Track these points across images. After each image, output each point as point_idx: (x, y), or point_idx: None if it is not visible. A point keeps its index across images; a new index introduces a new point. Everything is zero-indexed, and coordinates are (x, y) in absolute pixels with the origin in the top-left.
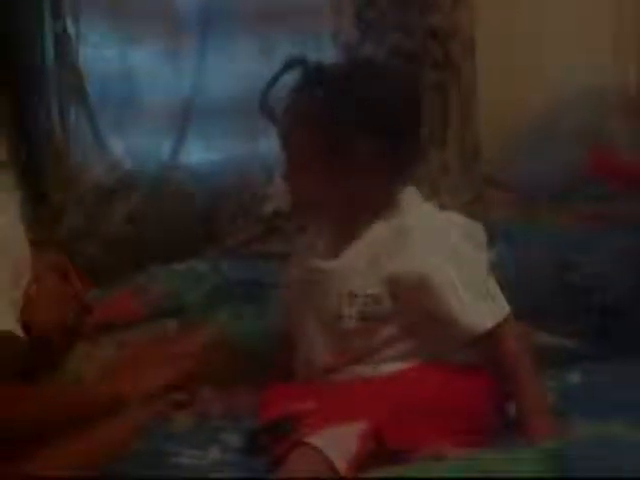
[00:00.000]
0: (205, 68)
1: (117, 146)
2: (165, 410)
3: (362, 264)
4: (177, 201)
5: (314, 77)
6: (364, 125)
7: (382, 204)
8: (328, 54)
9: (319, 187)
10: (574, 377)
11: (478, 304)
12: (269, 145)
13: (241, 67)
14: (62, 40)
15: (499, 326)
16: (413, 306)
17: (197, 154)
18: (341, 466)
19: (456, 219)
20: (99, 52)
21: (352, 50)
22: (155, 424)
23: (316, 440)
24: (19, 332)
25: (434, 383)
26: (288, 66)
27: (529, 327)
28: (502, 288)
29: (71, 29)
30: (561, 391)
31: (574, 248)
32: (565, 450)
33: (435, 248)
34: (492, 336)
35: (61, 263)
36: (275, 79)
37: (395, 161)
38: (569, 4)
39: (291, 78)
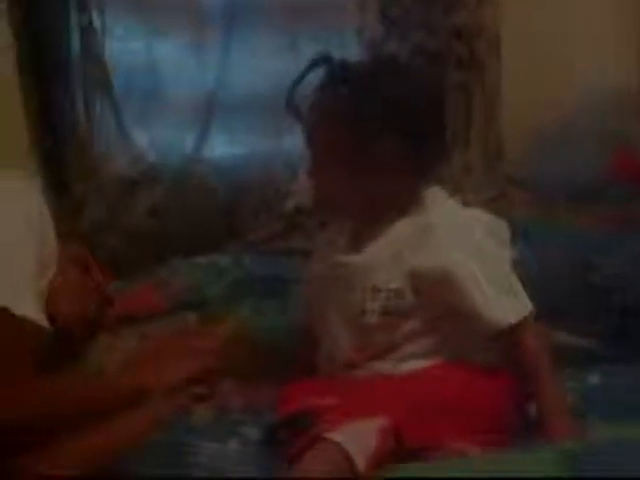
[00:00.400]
0: (229, 62)
1: (141, 138)
2: (186, 403)
3: (385, 259)
4: (200, 195)
5: (339, 75)
6: (388, 123)
7: (406, 202)
8: (352, 51)
9: (343, 185)
10: (594, 378)
11: (501, 299)
12: (293, 141)
13: (265, 62)
14: (88, 33)
15: (521, 323)
16: (436, 301)
17: (220, 148)
18: (360, 462)
19: (480, 216)
20: (124, 45)
21: (376, 47)
22: (175, 417)
23: (336, 435)
24: (44, 322)
25: (455, 382)
26: (314, 64)
27: (549, 327)
28: (523, 287)
29: (97, 22)
30: (580, 392)
31: (595, 249)
32: (584, 451)
33: (458, 244)
34: (514, 333)
35: (82, 255)
36: (301, 77)
37: (419, 160)
38: (595, 3)
39: (317, 76)
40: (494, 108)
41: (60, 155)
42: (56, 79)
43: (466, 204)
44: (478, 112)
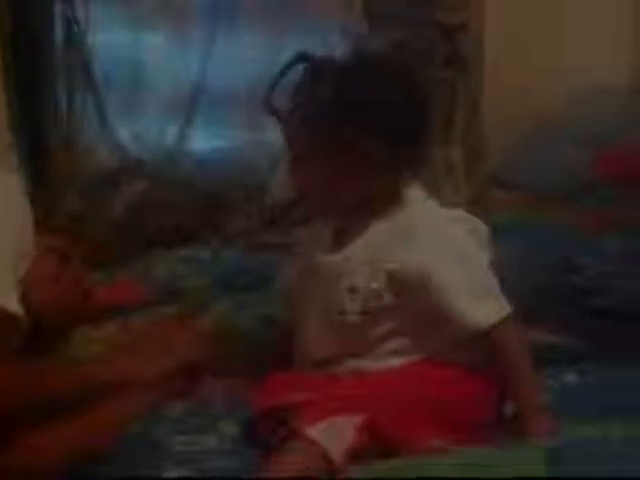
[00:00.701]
0: (212, 56)
1: (123, 131)
2: (164, 398)
3: (364, 259)
4: (181, 188)
5: (318, 73)
6: (369, 122)
7: (386, 201)
8: (336, 46)
9: (323, 184)
10: (571, 377)
11: (479, 302)
12: (274, 135)
13: (249, 56)
14: (71, 24)
15: (499, 325)
16: (415, 301)
17: (202, 142)
18: (335, 457)
19: (459, 216)
20: (108, 36)
21: (360, 43)
22: (152, 410)
23: (312, 431)
24: (21, 312)
25: (433, 379)
26: (293, 62)
27: (527, 326)
28: (503, 287)
29: (80, 12)
30: (558, 391)
31: (578, 249)
32: (562, 450)
33: (437, 246)
34: (492, 334)
35: (62, 246)
36: (280, 75)
37: (399, 159)
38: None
39: (296, 74)
40: (477, 106)
41: (42, 146)
42: (39, 70)
43: (446, 204)
44: (461, 110)
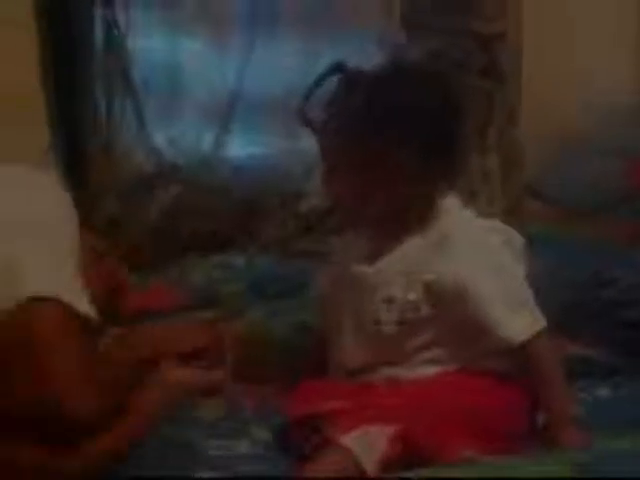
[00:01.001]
0: (250, 63)
1: (160, 136)
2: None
3: (401, 270)
4: (216, 194)
5: (353, 83)
6: (404, 132)
7: (422, 212)
8: (373, 55)
9: (357, 194)
10: (604, 391)
11: (514, 315)
12: (309, 142)
13: (286, 63)
14: (111, 28)
15: (534, 338)
16: (450, 313)
17: (238, 148)
18: (368, 466)
19: (495, 227)
20: (147, 41)
21: (398, 53)
22: (185, 412)
23: (345, 439)
24: (93, 314)
25: (467, 389)
26: (328, 73)
27: (561, 339)
28: (537, 299)
29: (121, 17)
30: (591, 404)
31: (611, 262)
32: (592, 462)
33: (473, 257)
34: (526, 347)
35: (98, 244)
36: (315, 86)
37: (435, 169)
38: (621, 11)
39: (332, 85)
40: (514, 116)
41: (80, 150)
42: (78, 74)
43: (482, 214)
44: (497, 120)
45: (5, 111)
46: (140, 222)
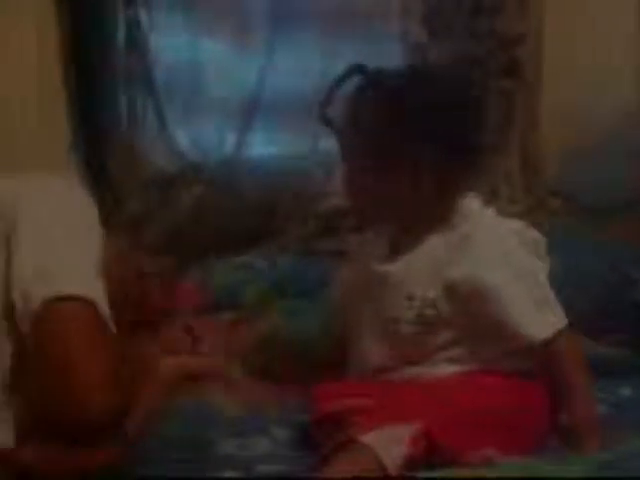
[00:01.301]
0: (272, 63)
1: (182, 136)
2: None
3: (421, 269)
4: (238, 194)
5: (373, 84)
6: (423, 133)
7: (442, 211)
8: (395, 56)
9: (378, 194)
10: (626, 390)
11: (535, 314)
12: (330, 142)
13: (308, 64)
14: (133, 28)
15: (555, 337)
16: (471, 312)
17: (259, 148)
18: (390, 465)
19: (517, 227)
20: (169, 41)
21: (419, 53)
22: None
23: (368, 438)
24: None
25: (489, 389)
26: (347, 74)
27: (583, 338)
28: (560, 298)
29: (143, 17)
30: (613, 403)
31: (635, 262)
32: (615, 462)
33: (494, 256)
34: (548, 346)
35: (147, 266)
36: (334, 88)
37: (455, 169)
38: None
39: (352, 85)
40: (535, 115)
41: (102, 150)
42: (101, 74)
43: (503, 213)
44: (519, 119)
45: (27, 111)
46: (162, 222)
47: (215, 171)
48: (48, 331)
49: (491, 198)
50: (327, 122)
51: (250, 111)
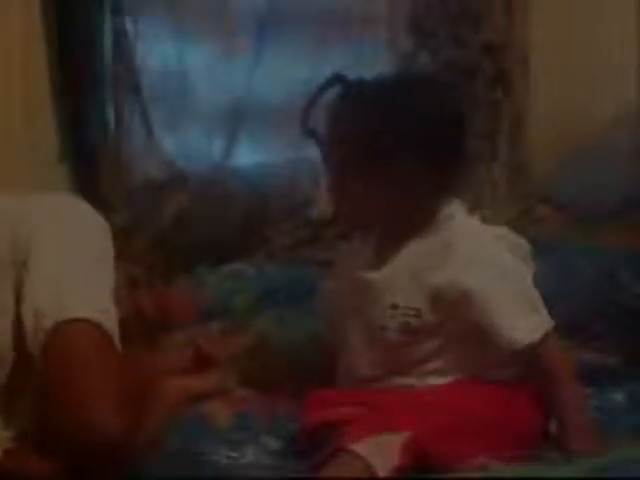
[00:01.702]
0: (259, 70)
1: (169, 144)
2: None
3: (405, 277)
4: (225, 202)
5: (353, 95)
6: (404, 141)
7: (425, 218)
8: (383, 62)
9: (360, 201)
10: (618, 396)
11: (520, 318)
12: (317, 150)
13: (295, 71)
14: (120, 37)
15: (541, 340)
16: (456, 319)
17: (247, 156)
18: (381, 474)
19: (500, 233)
20: (156, 50)
21: (407, 60)
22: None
23: (359, 448)
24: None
25: (478, 398)
26: (328, 84)
27: (574, 345)
28: (548, 304)
29: (130, 26)
30: (605, 410)
31: (624, 267)
32: (607, 468)
33: (478, 262)
34: (534, 350)
35: (134, 273)
36: (315, 98)
37: (437, 176)
38: (628, 16)
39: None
40: (521, 123)
41: (89, 158)
42: (87, 82)
43: (490, 220)
44: (505, 127)
45: (12, 120)
46: (149, 231)
47: (202, 179)
48: (60, 352)
49: (478, 205)
50: (309, 133)
51: (236, 119)
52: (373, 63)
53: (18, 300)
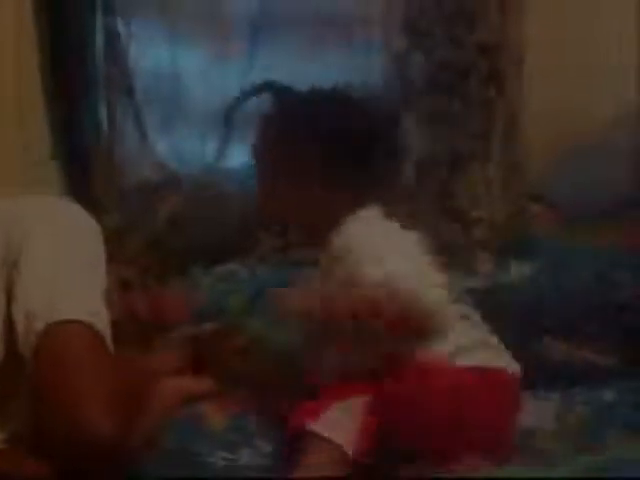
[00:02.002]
0: (252, 72)
1: (162, 146)
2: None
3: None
4: (218, 204)
5: (279, 101)
6: (321, 150)
7: (332, 221)
8: (378, 63)
9: (281, 198)
10: (609, 395)
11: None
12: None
13: (288, 74)
14: (113, 39)
15: None
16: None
17: (240, 158)
18: (345, 443)
19: (412, 237)
20: (148, 51)
21: (401, 60)
22: (189, 423)
23: (317, 427)
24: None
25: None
26: (255, 90)
27: (568, 343)
28: (544, 304)
29: (122, 27)
30: (596, 408)
31: (617, 266)
32: (605, 467)
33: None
34: None
35: (126, 275)
36: (241, 100)
37: (344, 178)
38: (623, 21)
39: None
40: (515, 123)
41: (82, 160)
42: (79, 84)
43: (485, 220)
44: (499, 127)
45: (5, 123)
46: (142, 233)
47: (196, 180)
48: (52, 354)
49: (473, 204)
50: (229, 129)
51: (230, 121)
52: (368, 64)
53: (9, 300)
